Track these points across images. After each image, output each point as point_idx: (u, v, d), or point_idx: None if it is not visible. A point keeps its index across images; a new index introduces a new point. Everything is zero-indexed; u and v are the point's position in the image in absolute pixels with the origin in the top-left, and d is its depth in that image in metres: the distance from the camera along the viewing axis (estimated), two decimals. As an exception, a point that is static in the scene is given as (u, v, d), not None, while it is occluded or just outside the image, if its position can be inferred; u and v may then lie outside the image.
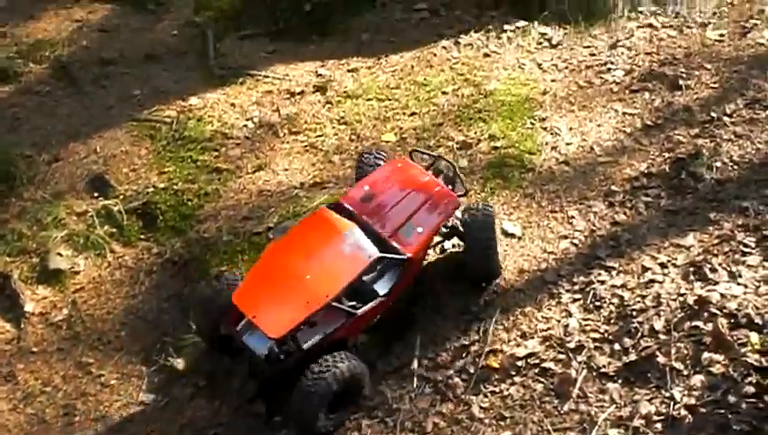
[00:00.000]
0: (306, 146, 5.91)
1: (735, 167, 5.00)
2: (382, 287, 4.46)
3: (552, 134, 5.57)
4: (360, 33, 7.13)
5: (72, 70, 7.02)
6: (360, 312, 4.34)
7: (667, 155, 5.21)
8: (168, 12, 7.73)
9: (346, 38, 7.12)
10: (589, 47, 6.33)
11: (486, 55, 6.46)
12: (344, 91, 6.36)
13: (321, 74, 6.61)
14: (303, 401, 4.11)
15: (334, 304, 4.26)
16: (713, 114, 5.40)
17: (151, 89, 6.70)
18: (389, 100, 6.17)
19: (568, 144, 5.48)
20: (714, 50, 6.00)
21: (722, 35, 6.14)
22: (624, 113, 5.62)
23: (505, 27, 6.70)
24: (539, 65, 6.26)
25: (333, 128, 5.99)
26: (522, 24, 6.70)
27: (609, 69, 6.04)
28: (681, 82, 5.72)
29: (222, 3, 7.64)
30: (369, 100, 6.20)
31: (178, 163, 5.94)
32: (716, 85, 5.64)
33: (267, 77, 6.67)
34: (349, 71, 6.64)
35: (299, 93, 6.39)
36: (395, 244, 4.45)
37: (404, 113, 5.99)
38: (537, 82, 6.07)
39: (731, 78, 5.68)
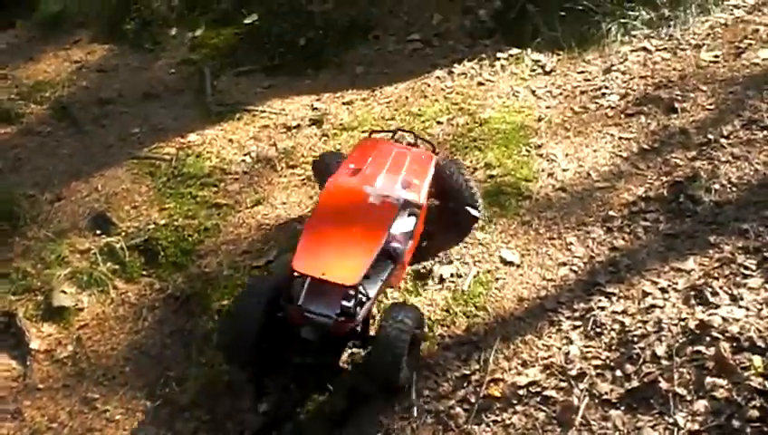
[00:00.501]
0: (303, 179, 5.92)
1: (734, 189, 4.97)
2: (407, 235, 4.73)
3: (548, 161, 5.57)
4: (354, 66, 7.19)
5: (72, 110, 7.10)
6: (402, 253, 4.62)
7: (664, 179, 5.18)
8: (164, 51, 7.81)
9: (340, 71, 7.18)
10: (582, 72, 6.34)
11: (480, 84, 6.49)
12: (340, 124, 6.39)
13: (316, 108, 6.66)
14: (386, 352, 4.23)
15: (388, 245, 4.53)
16: (709, 136, 5.36)
17: (150, 127, 6.76)
18: (385, 131, 6.19)
19: (564, 170, 5.47)
20: (709, 71, 5.97)
21: (716, 56, 6.10)
22: (620, 138, 5.60)
23: (498, 55, 6.74)
24: (533, 92, 6.27)
25: (331, 160, 5.98)
26: (515, 51, 6.74)
27: (603, 94, 6.03)
28: (677, 104, 5.69)
29: (218, 40, 7.71)
30: (364, 131, 6.17)
31: (178, 199, 5.96)
32: (712, 107, 5.61)
33: (264, 112, 6.72)
34: (344, 103, 6.69)
35: (295, 127, 6.42)
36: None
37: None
38: (532, 109, 6.08)
39: (727, 99, 5.65)
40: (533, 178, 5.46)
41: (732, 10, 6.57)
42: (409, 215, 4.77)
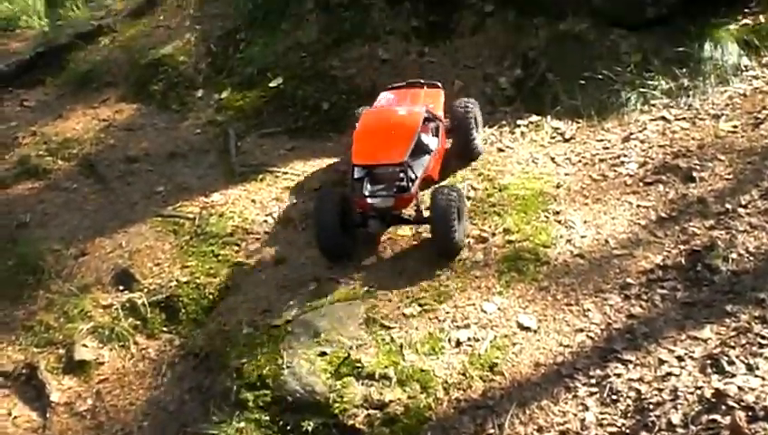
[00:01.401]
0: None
1: (751, 258, 4.96)
2: (433, 144, 6.03)
3: (566, 227, 5.59)
4: (377, 129, 7.26)
5: (98, 167, 7.24)
6: (434, 149, 5.95)
7: (682, 247, 5.18)
8: (191, 111, 7.94)
9: (363, 135, 7.26)
10: (602, 140, 6.36)
11: (500, 150, 6.53)
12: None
13: (338, 170, 6.71)
14: (443, 220, 5.32)
15: (421, 143, 5.83)
16: (727, 206, 5.37)
17: (175, 185, 6.88)
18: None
19: (582, 237, 5.48)
20: (727, 141, 5.98)
21: (735, 126, 6.12)
22: (638, 206, 5.62)
23: (518, 122, 6.79)
24: (552, 159, 6.30)
25: (350, 222, 6.05)
26: (535, 118, 6.78)
27: (622, 162, 6.05)
28: (695, 173, 5.71)
29: (243, 103, 7.82)
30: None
31: (201, 258, 6.04)
32: (730, 176, 5.63)
33: (286, 173, 6.81)
34: (365, 166, 6.73)
35: (316, 189, 6.48)
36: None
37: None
38: (551, 176, 6.10)
39: (745, 169, 5.66)
40: (552, 244, 5.47)
41: (750, 81, 6.60)
42: (433, 135, 6.04)
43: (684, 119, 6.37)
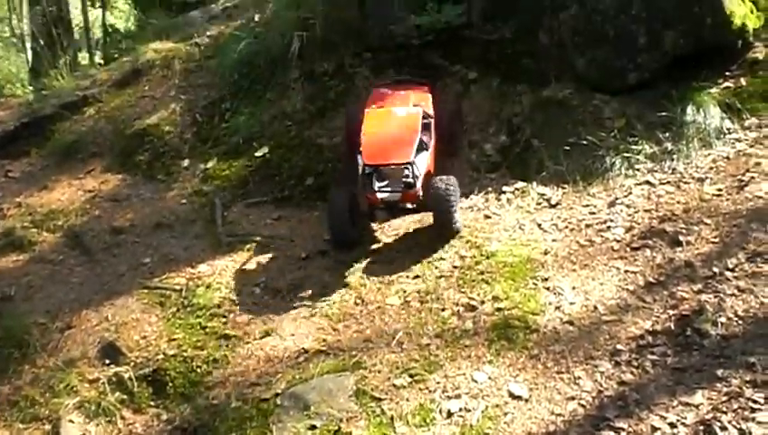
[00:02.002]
0: (313, 311, 5.96)
1: (740, 322, 4.96)
2: (426, 139, 6.55)
3: (554, 294, 5.58)
4: (362, 199, 7.28)
5: (84, 239, 7.21)
6: (430, 145, 6.55)
7: (671, 312, 5.18)
8: (177, 181, 7.95)
9: (348, 203, 7.27)
10: (588, 206, 6.39)
11: (487, 217, 6.54)
12: (348, 256, 6.45)
13: (325, 239, 6.68)
14: (441, 202, 6.08)
15: (421, 140, 6.38)
16: (715, 269, 5.38)
17: (161, 257, 6.84)
18: (393, 264, 6.26)
19: (571, 304, 5.47)
20: (712, 204, 6.01)
21: (719, 190, 6.14)
22: (626, 271, 5.63)
23: (504, 189, 6.81)
24: (539, 225, 6.32)
25: (338, 293, 6.06)
26: (520, 185, 6.81)
27: (608, 227, 6.08)
28: (681, 237, 5.73)
29: (229, 172, 7.85)
30: (372, 263, 6.30)
31: (188, 330, 6.00)
32: (717, 240, 5.65)
33: (273, 243, 6.79)
34: (351, 235, 6.73)
35: (304, 258, 6.49)
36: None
37: (407, 276, 6.06)
38: (538, 242, 6.12)
39: (731, 232, 5.68)
40: (541, 311, 5.47)
41: (734, 143, 6.63)
42: (424, 130, 6.51)
43: (668, 183, 6.40)
